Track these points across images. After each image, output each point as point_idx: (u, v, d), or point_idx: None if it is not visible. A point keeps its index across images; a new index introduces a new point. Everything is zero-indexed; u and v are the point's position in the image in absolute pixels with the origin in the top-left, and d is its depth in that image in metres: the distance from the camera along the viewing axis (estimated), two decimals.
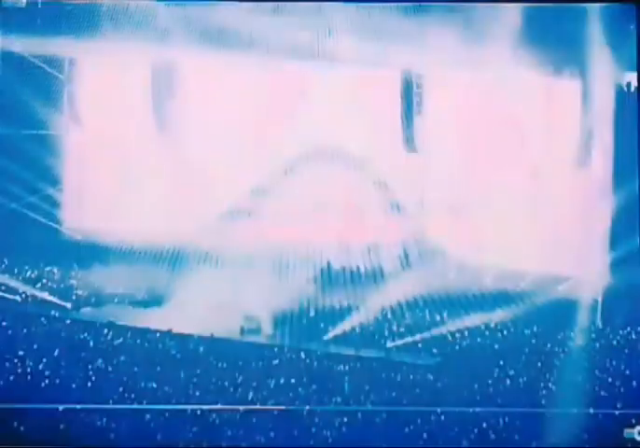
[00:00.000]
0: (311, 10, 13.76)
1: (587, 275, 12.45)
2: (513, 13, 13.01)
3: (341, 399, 11.85)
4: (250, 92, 14.36)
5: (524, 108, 12.72)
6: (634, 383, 11.68)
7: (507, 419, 11.65)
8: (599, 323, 12.38)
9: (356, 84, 13.65)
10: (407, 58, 13.32)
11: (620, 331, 12.18)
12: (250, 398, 12.13)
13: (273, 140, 14.14)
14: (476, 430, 11.50)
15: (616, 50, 12.77)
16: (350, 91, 13.73)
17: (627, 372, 11.82)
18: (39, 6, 15.04)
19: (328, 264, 13.46)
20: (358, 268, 13.36)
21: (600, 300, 12.51)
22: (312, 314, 12.82)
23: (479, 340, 12.19)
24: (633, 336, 12.12)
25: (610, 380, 11.84)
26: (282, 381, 12.30)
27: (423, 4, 13.05)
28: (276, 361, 12.45)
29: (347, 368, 12.27)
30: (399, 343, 12.39)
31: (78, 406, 11.79)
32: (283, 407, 12.07)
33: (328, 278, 13.35)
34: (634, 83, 12.39)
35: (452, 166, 12.77)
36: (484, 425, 11.63)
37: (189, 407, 11.98)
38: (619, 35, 12.96)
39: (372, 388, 11.96)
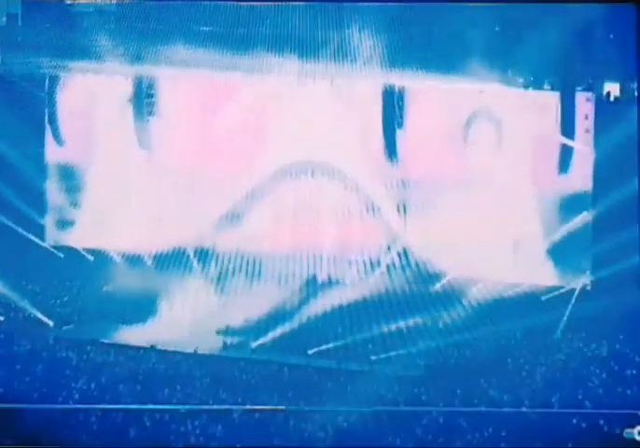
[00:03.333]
0: (294, 25, 13.80)
1: (569, 283, 12.46)
2: (498, 25, 13.03)
3: (326, 412, 11.70)
4: (233, 107, 14.34)
5: (505, 118, 12.74)
6: (629, 384, 11.61)
7: (503, 420, 11.57)
8: (586, 329, 12.34)
9: (339, 97, 13.66)
10: (389, 71, 13.33)
11: (607, 337, 12.16)
12: (233, 412, 11.96)
13: (257, 154, 14.12)
14: (478, 429, 11.42)
15: (611, 52, 12.73)
16: (333, 103, 13.74)
17: (620, 374, 11.76)
18: (19, 24, 15.06)
19: (313, 277, 13.42)
20: (341, 279, 13.33)
21: (585, 306, 12.49)
22: (295, 328, 12.74)
23: (466, 347, 12.13)
24: (621, 340, 12.09)
25: (606, 383, 11.81)
26: (264, 394, 12.14)
27: (416, 4, 13.04)
28: (259, 375, 12.35)
29: (330, 381, 12.11)
30: (383, 356, 12.31)
31: (62, 421, 11.61)
32: (268, 407, 11.82)
33: (313, 291, 13.32)
34: (614, 93, 12.43)
35: (433, 177, 12.76)
36: (484, 423, 11.51)
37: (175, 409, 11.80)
38: (618, 36, 12.95)
39: (356, 400, 11.83)
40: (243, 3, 13.73)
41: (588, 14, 12.60)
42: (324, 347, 13.29)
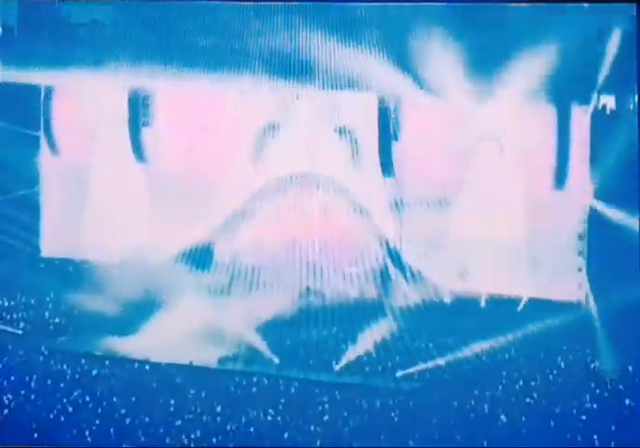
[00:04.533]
0: (288, 37, 13.78)
1: (565, 297, 12.47)
2: (493, 40, 13.01)
3: (321, 427, 11.67)
4: (228, 118, 14.31)
5: (502, 133, 12.73)
6: (624, 397, 11.61)
7: (499, 434, 11.57)
8: (582, 342, 12.36)
9: (334, 110, 13.63)
10: (384, 84, 13.31)
11: (602, 349, 12.17)
12: (229, 426, 11.90)
13: (253, 168, 14.09)
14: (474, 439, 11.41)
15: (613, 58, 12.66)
16: (328, 116, 13.72)
17: (615, 388, 11.76)
18: (15, 35, 15.04)
19: (308, 291, 13.40)
20: (337, 294, 13.31)
21: (580, 320, 12.50)
22: (291, 341, 12.72)
23: (463, 365, 12.12)
24: (615, 352, 12.11)
25: (601, 396, 11.81)
26: (260, 408, 12.07)
27: (417, 3, 12.98)
28: (254, 389, 12.32)
29: (326, 395, 12.06)
30: (380, 369, 12.28)
31: (56, 433, 11.55)
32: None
33: (308, 305, 13.30)
34: (610, 106, 12.42)
35: (428, 191, 12.75)
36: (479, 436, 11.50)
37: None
38: (615, 50, 12.91)
39: (351, 414, 11.77)
40: (245, 3, 13.69)
41: (585, 28, 12.60)
42: (320, 360, 13.26)
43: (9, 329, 13.59)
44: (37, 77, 14.25)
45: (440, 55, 13.03)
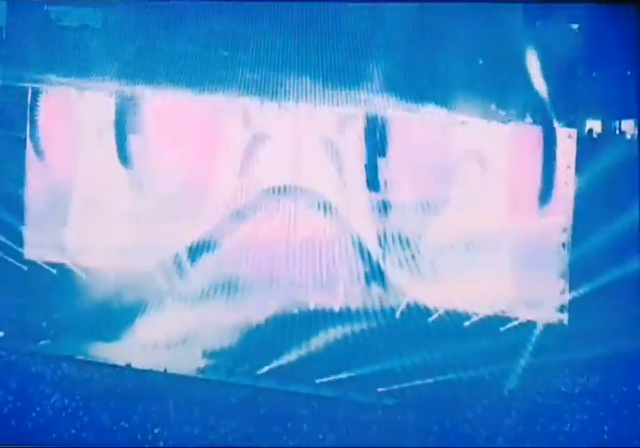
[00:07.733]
0: (276, 52, 13.86)
1: (544, 317, 12.65)
2: (481, 58, 13.14)
3: (299, 438, 11.79)
4: (215, 131, 14.36)
5: (487, 151, 12.88)
6: (604, 422, 11.82)
7: None
8: (561, 364, 12.56)
9: (321, 125, 13.73)
10: (370, 100, 13.42)
11: (578, 373, 12.39)
12: (207, 434, 12.01)
13: (237, 179, 14.16)
14: None
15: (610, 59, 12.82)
16: (314, 132, 13.81)
17: (596, 413, 11.94)
18: (3, 37, 14.99)
19: (288, 302, 13.50)
20: (319, 307, 13.42)
21: (559, 341, 12.70)
22: (269, 351, 12.86)
23: (445, 383, 12.28)
24: (596, 376, 12.33)
25: (582, 420, 12.01)
26: (238, 417, 12.19)
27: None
28: (233, 398, 12.43)
29: (306, 406, 12.20)
30: (358, 382, 12.43)
31: (35, 438, 11.61)
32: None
33: (289, 317, 13.40)
34: (597, 130, 12.60)
35: (413, 207, 12.90)
36: None
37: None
38: (604, 73, 13.10)
39: (330, 427, 11.92)
40: (235, 5, 13.71)
41: (573, 51, 12.79)
42: (301, 372, 13.38)
43: None
44: (25, 78, 14.20)
45: (428, 71, 13.17)
